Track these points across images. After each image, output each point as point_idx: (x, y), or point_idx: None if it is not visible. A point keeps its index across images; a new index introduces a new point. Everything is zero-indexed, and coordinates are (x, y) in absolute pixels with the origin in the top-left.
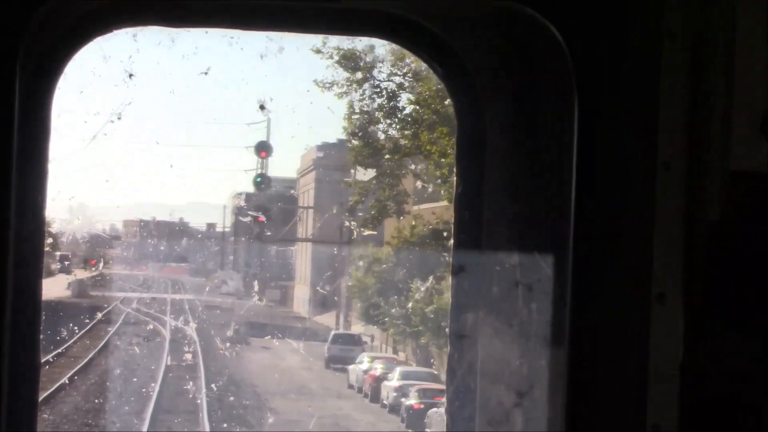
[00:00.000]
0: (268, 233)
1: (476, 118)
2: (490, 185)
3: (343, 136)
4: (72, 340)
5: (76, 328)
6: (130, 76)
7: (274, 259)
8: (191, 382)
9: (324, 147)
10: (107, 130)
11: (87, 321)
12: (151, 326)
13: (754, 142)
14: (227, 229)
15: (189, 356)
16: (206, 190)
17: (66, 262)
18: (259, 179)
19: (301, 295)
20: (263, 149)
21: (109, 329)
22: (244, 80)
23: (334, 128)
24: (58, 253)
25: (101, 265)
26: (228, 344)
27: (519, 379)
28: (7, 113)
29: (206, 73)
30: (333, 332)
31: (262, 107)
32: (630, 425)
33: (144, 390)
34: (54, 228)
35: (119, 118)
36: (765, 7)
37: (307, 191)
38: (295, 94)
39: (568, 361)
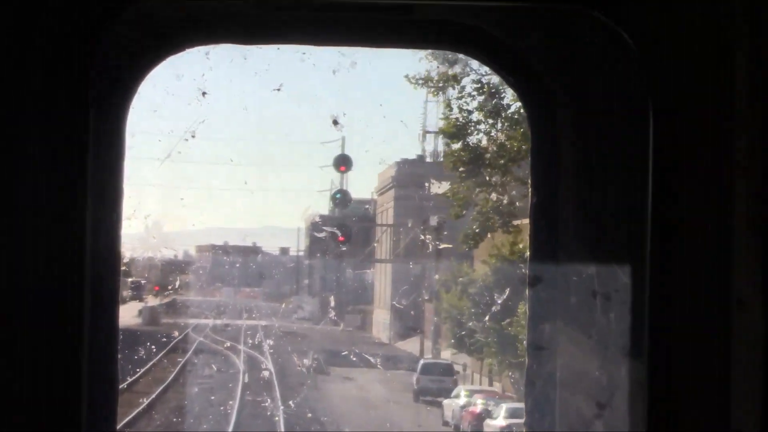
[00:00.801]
0: (343, 250)
1: (550, 127)
2: (564, 195)
3: (420, 152)
4: (139, 373)
5: (144, 360)
6: (203, 94)
7: (350, 282)
8: (269, 413)
9: (403, 164)
10: (181, 148)
11: (156, 351)
12: (225, 356)
13: None
14: (301, 253)
15: (266, 389)
16: (280, 213)
17: (139, 290)
18: (338, 195)
19: (381, 319)
20: (342, 163)
21: (179, 360)
22: (317, 96)
23: (408, 142)
24: (129, 280)
25: (176, 290)
26: (307, 373)
27: (599, 390)
28: (81, 133)
29: (279, 90)
30: (422, 361)
31: (335, 122)
32: None
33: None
34: (127, 253)
35: (193, 137)
36: None
37: (385, 210)
38: (369, 109)
39: (647, 370)
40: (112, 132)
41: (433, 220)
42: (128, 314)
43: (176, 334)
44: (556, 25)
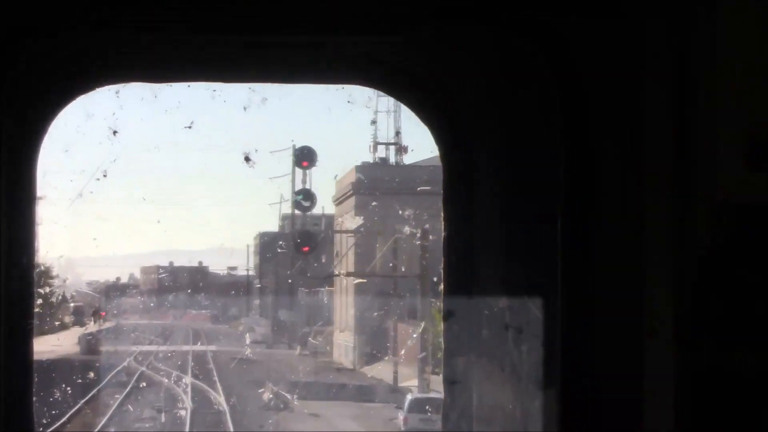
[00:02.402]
0: (296, 268)
1: (462, 162)
2: (477, 229)
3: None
4: (65, 417)
5: (76, 396)
6: (114, 132)
7: (303, 302)
8: None
9: (364, 168)
10: (93, 188)
11: (90, 387)
12: (169, 389)
13: (739, 174)
14: (251, 272)
15: None
16: (228, 235)
17: (80, 315)
18: (300, 196)
19: (343, 342)
20: (305, 158)
21: (117, 396)
22: (228, 132)
23: (327, 180)
24: (72, 305)
25: (119, 313)
26: (266, 411)
27: (512, 422)
28: None
29: (190, 127)
30: (410, 396)
31: (247, 159)
32: None
33: None
34: (69, 276)
35: (105, 176)
36: (745, 38)
37: (345, 221)
38: (279, 144)
39: (560, 401)
40: (22, 173)
41: (406, 228)
42: (69, 341)
43: (117, 363)
44: (469, 63)
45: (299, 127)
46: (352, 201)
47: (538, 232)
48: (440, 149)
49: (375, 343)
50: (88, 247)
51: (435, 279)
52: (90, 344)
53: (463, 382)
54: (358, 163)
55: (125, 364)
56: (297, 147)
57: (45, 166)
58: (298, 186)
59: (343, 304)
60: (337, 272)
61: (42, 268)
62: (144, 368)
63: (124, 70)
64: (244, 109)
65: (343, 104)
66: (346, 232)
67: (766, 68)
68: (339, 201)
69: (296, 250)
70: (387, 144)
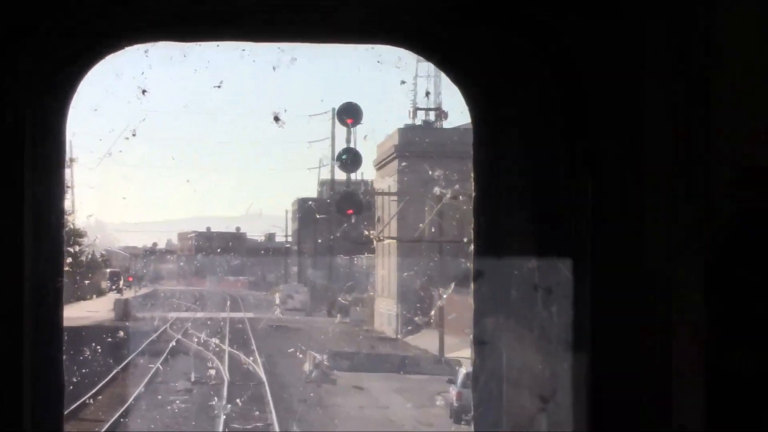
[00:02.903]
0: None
1: (491, 122)
2: (507, 189)
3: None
4: (96, 389)
5: (109, 365)
6: (143, 92)
7: (342, 269)
8: None
9: (407, 131)
10: (121, 146)
11: (124, 353)
12: (205, 359)
13: (739, 174)
14: (289, 238)
15: (258, 407)
16: (263, 201)
17: (117, 280)
18: (344, 156)
19: (385, 310)
20: (350, 114)
21: (151, 366)
22: (257, 92)
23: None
24: (108, 270)
25: (155, 279)
26: (306, 383)
27: (542, 384)
28: (18, 133)
29: (219, 86)
30: (464, 370)
31: (276, 119)
32: (655, 426)
33: None
34: (105, 241)
35: (134, 135)
36: (745, 38)
37: (387, 186)
38: (308, 105)
39: (590, 363)
40: (52, 132)
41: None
42: (105, 307)
43: (152, 331)
44: (469, 62)
45: (328, 89)
46: (394, 165)
47: (566, 193)
48: (470, 110)
49: (418, 311)
50: (122, 211)
51: (465, 240)
52: (125, 310)
53: (492, 343)
54: (394, 127)
55: (161, 331)
56: (339, 105)
57: (74, 127)
58: (339, 148)
59: (385, 270)
60: (377, 236)
61: (71, 226)
62: (179, 336)
63: (151, 29)
64: (273, 69)
65: (374, 68)
66: (390, 194)
67: (766, 68)
68: (380, 165)
69: (339, 213)
70: (426, 109)
